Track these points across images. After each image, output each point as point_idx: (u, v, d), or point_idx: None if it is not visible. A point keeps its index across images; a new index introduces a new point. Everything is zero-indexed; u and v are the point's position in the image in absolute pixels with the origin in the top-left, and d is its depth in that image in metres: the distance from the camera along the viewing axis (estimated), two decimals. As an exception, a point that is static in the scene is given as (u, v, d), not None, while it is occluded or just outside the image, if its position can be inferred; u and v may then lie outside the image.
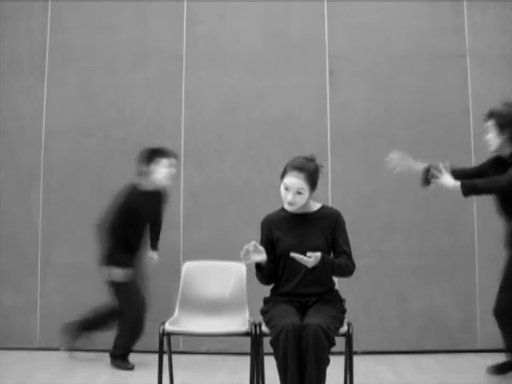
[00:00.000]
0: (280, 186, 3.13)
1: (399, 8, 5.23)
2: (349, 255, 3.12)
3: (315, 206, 3.22)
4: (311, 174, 3.09)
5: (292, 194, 3.06)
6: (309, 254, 2.92)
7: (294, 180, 3.06)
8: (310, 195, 3.13)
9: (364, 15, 5.22)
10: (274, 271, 3.16)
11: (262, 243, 3.15)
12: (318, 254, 2.92)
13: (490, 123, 3.97)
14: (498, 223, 5.02)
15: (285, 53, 5.19)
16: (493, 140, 3.95)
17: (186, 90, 5.18)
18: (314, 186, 3.13)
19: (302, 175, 3.05)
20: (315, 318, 2.88)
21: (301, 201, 3.09)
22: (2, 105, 5.14)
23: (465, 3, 5.20)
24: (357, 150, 5.11)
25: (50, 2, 5.26)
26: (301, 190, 3.06)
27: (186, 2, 5.24)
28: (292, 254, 2.94)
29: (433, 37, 5.19)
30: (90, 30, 5.23)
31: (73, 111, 5.16)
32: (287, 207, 3.13)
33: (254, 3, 5.25)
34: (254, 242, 3.00)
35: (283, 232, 3.16)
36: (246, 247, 2.98)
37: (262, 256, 3.03)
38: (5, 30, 5.23)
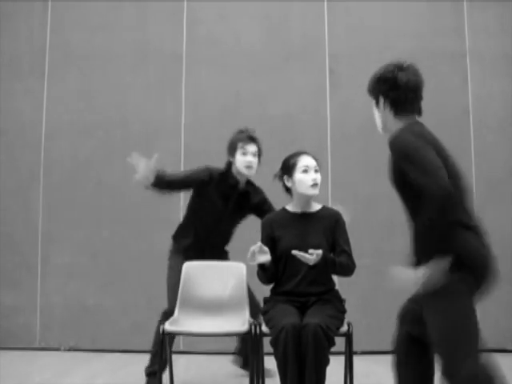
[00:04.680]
0: (290, 180, 3.20)
1: (399, 8, 5.23)
2: (349, 255, 3.13)
3: (316, 207, 3.23)
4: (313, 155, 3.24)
5: (313, 172, 3.16)
6: (311, 250, 2.92)
7: (308, 159, 3.19)
8: None
9: (364, 15, 5.22)
10: (275, 270, 3.16)
11: (263, 242, 3.15)
12: (320, 252, 2.93)
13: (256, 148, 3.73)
14: (497, 223, 5.03)
15: (285, 53, 5.19)
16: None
17: (186, 90, 5.18)
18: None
19: (310, 155, 3.22)
20: (315, 318, 2.89)
21: (319, 181, 3.18)
22: (1, 105, 5.15)
23: (465, 3, 5.20)
24: (357, 149, 5.11)
25: (49, 2, 5.26)
26: (317, 168, 3.19)
27: (185, 2, 5.24)
28: (294, 252, 2.95)
29: (433, 37, 5.20)
30: (90, 30, 5.23)
31: (73, 111, 5.16)
32: (311, 191, 3.16)
33: (254, 3, 5.26)
34: (259, 244, 3.01)
35: (284, 231, 3.16)
36: (252, 249, 2.99)
37: (266, 256, 3.04)
38: (5, 30, 5.23)
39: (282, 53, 5.19)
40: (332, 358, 2.89)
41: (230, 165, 3.72)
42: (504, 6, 5.19)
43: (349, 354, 3.16)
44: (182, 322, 3.40)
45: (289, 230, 3.16)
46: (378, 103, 2.67)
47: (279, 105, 5.13)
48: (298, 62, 5.18)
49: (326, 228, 3.15)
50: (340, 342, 3.02)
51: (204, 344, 4.84)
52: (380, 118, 2.72)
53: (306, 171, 3.14)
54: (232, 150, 3.72)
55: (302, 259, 2.95)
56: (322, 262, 2.97)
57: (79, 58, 5.21)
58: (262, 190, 3.78)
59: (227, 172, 3.71)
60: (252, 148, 3.68)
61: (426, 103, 5.34)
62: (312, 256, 2.92)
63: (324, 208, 3.26)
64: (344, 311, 3.17)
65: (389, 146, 2.48)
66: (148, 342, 4.30)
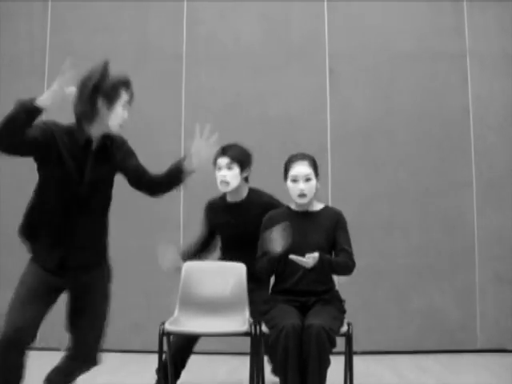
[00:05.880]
0: (285, 185, 3.21)
1: (399, 8, 5.23)
2: (349, 253, 3.12)
3: (318, 206, 3.24)
4: (313, 160, 3.19)
5: (302, 182, 3.11)
6: (307, 255, 2.93)
7: (299, 168, 3.13)
8: (317, 185, 3.16)
9: (364, 15, 5.22)
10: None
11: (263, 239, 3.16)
12: (316, 255, 2.93)
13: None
14: (497, 223, 5.04)
15: (285, 53, 5.19)
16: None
17: (186, 90, 5.18)
18: (318, 174, 3.19)
19: (305, 162, 3.14)
20: (317, 319, 2.88)
21: (310, 189, 3.14)
22: (1, 105, 5.14)
23: (465, 3, 5.20)
24: (357, 150, 5.11)
25: (50, 2, 5.26)
26: (309, 176, 3.12)
27: (185, 2, 5.24)
28: (291, 257, 2.95)
29: (433, 37, 5.19)
30: (90, 30, 5.23)
31: (73, 111, 5.15)
32: (299, 200, 3.15)
33: (254, 3, 5.26)
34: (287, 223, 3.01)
35: None
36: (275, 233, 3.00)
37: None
38: (5, 30, 5.23)
39: (281, 53, 5.19)
40: (332, 358, 2.90)
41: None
42: (504, 6, 5.19)
43: (349, 354, 3.16)
44: (183, 322, 3.40)
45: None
46: (240, 167, 3.39)
47: (279, 104, 5.13)
48: (298, 62, 5.18)
49: (327, 227, 3.15)
50: (340, 342, 3.02)
51: (204, 344, 4.84)
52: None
53: (294, 181, 3.14)
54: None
55: (300, 263, 2.95)
56: (320, 265, 2.97)
57: (79, 58, 5.17)
58: (125, 141, 2.95)
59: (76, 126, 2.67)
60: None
61: (426, 103, 5.38)
62: (309, 260, 2.93)
63: (326, 207, 3.26)
64: (344, 312, 3.17)
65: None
66: (148, 342, 4.31)
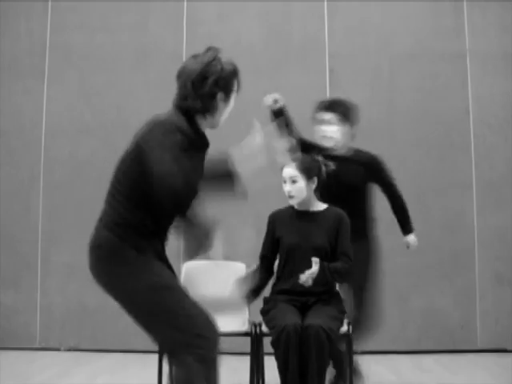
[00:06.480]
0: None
1: (399, 8, 5.23)
2: (349, 257, 3.12)
3: (321, 206, 3.24)
4: (303, 162, 3.17)
5: (289, 184, 3.15)
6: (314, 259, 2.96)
7: (286, 170, 3.16)
8: (309, 186, 3.14)
9: (364, 15, 5.22)
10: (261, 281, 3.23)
11: (268, 237, 3.22)
12: (317, 262, 2.96)
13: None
14: (497, 223, 5.04)
15: (285, 53, 5.19)
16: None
17: (186, 90, 5.18)
18: (310, 175, 3.15)
19: (293, 164, 3.16)
20: (317, 319, 2.89)
21: (298, 191, 3.13)
22: (1, 105, 5.14)
23: (465, 3, 5.20)
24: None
25: (50, 2, 5.25)
26: (294, 178, 3.13)
27: (185, 2, 5.24)
28: (301, 281, 2.97)
29: (433, 37, 5.19)
30: (90, 31, 5.23)
31: (73, 111, 5.16)
32: (289, 201, 3.19)
33: (254, 3, 5.25)
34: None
35: (287, 228, 3.18)
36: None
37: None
38: (5, 30, 5.23)
39: (282, 53, 5.19)
40: (332, 358, 2.90)
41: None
42: (504, 6, 5.19)
43: (349, 354, 3.16)
44: (182, 322, 3.40)
45: (291, 228, 3.17)
46: (349, 124, 3.53)
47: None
48: (299, 61, 5.18)
49: (329, 228, 3.15)
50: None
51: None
52: (345, 135, 3.54)
53: (284, 182, 3.18)
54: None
55: (310, 276, 2.96)
56: (320, 270, 2.98)
57: (79, 58, 5.20)
58: None
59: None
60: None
61: (426, 103, 5.38)
62: (313, 269, 2.95)
63: (329, 208, 3.25)
64: (344, 312, 3.16)
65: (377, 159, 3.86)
66: (148, 342, 4.29)
